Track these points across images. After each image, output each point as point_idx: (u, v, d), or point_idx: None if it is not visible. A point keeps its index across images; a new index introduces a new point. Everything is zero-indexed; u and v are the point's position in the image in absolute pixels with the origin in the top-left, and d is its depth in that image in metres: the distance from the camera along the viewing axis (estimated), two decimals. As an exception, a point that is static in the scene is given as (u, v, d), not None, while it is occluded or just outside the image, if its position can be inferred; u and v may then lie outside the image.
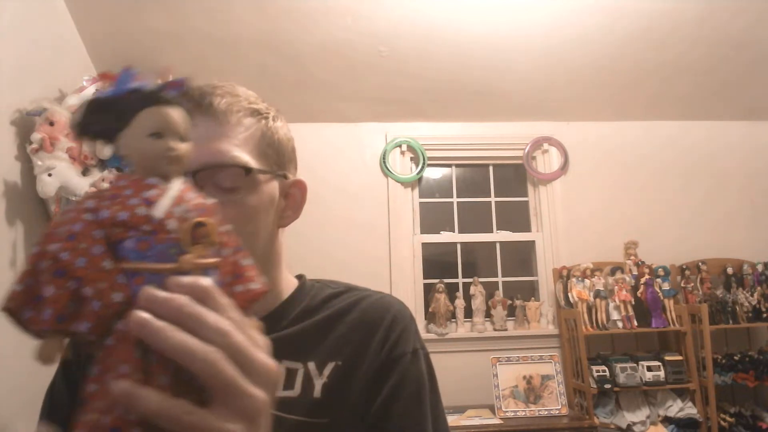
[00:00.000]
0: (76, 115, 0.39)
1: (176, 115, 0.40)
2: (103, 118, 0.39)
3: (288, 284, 0.77)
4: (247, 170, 0.65)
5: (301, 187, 0.75)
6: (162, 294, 0.34)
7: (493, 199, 3.48)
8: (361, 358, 0.69)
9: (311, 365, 0.68)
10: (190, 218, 0.38)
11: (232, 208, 0.63)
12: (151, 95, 0.39)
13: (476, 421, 2.69)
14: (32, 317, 0.35)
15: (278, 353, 0.67)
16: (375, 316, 0.72)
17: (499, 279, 3.35)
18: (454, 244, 3.39)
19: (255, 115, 0.69)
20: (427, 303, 3.21)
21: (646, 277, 3.09)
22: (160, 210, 0.37)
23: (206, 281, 0.36)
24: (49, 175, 1.91)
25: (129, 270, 0.36)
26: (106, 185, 0.39)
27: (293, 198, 0.74)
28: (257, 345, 0.37)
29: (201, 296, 0.35)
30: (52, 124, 1.94)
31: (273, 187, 0.70)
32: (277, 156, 0.71)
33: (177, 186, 0.39)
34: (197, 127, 0.64)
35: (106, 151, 2.11)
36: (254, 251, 0.66)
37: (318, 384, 0.66)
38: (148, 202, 0.38)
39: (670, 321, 3.02)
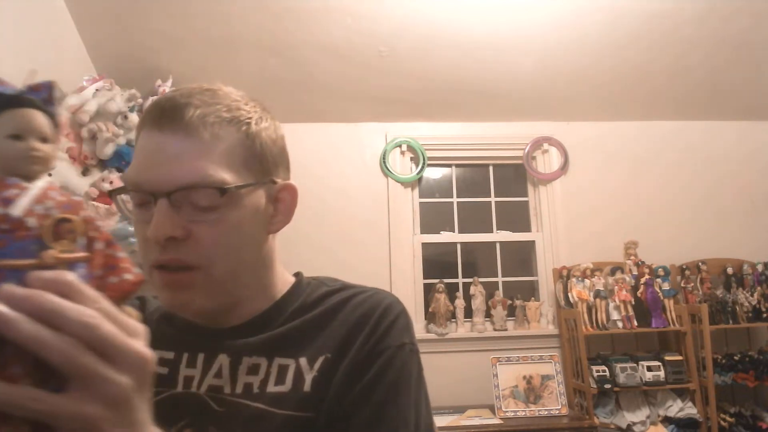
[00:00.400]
0: None
1: (38, 117, 0.41)
2: None
3: (284, 283, 0.76)
4: (222, 191, 0.62)
5: (291, 192, 0.72)
6: (20, 290, 0.34)
7: (493, 199, 3.48)
8: (347, 350, 0.67)
9: (302, 360, 0.67)
10: (52, 215, 0.39)
11: (212, 226, 0.62)
12: (11, 99, 0.41)
13: (476, 421, 2.69)
14: None
15: (272, 350, 0.68)
16: (366, 311, 0.71)
17: (499, 279, 3.35)
18: (454, 244, 3.39)
19: (234, 123, 0.65)
20: (427, 303, 3.21)
21: (646, 277, 3.09)
22: (18, 208, 0.38)
23: (68, 275, 0.37)
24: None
25: None
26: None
27: (283, 203, 0.71)
28: (129, 333, 0.38)
29: (64, 290, 0.36)
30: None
31: (258, 196, 0.67)
32: (261, 163, 0.67)
33: (39, 185, 0.41)
34: (170, 143, 0.61)
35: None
36: (241, 261, 0.66)
37: (308, 378, 0.66)
38: (6, 201, 0.39)
39: (670, 321, 3.01)
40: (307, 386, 0.65)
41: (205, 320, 0.70)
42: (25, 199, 0.39)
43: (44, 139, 0.42)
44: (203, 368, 0.67)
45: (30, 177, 0.40)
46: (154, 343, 0.41)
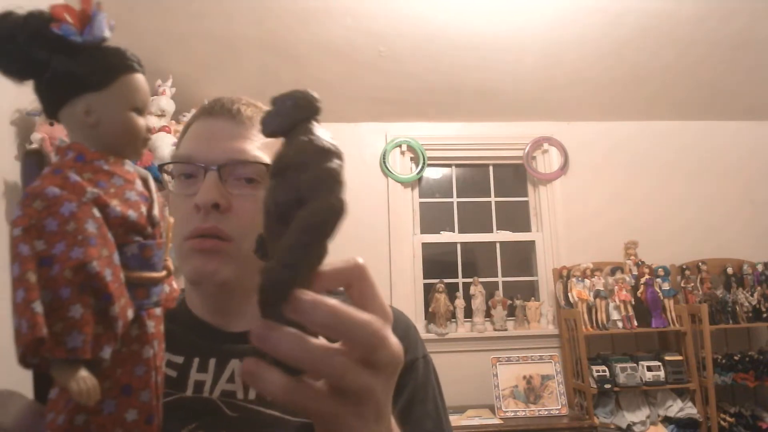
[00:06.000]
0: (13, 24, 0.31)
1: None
2: (69, 62, 0.32)
3: None
4: (268, 166, 0.68)
5: None
6: (315, 298, 0.32)
7: (493, 199, 3.48)
8: None
9: None
10: (166, 218, 0.35)
11: (251, 201, 0.67)
12: (132, 61, 0.34)
13: (476, 421, 2.69)
14: (60, 346, 0.28)
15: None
16: None
17: (499, 279, 3.35)
18: (454, 244, 3.39)
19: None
20: (427, 303, 3.21)
21: (646, 277, 3.09)
22: (159, 211, 0.34)
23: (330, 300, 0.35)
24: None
25: (132, 281, 0.32)
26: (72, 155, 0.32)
27: None
28: (387, 320, 0.37)
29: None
30: (52, 124, 1.94)
31: None
32: None
33: (151, 180, 0.35)
34: (224, 128, 0.70)
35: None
36: None
37: None
38: (144, 198, 0.33)
39: (670, 321, 3.01)
40: None
41: (217, 321, 0.71)
42: (160, 198, 0.34)
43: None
44: (215, 373, 0.67)
45: (130, 160, 0.34)
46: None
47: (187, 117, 2.61)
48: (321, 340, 0.34)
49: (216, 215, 0.65)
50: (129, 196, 0.32)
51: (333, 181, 0.32)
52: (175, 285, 0.37)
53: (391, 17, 2.63)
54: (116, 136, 0.33)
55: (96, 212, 0.30)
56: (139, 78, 0.34)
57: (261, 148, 0.69)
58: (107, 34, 0.33)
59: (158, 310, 0.35)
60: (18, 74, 0.33)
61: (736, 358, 3.01)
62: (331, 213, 0.31)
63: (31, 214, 0.29)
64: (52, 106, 0.33)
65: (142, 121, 0.34)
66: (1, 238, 1.82)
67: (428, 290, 3.22)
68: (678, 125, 3.49)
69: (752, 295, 3.11)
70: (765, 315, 3.08)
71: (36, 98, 0.34)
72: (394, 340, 0.36)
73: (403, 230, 3.28)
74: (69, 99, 0.32)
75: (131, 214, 0.32)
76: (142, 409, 0.32)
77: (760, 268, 3.19)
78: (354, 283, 0.36)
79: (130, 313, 0.31)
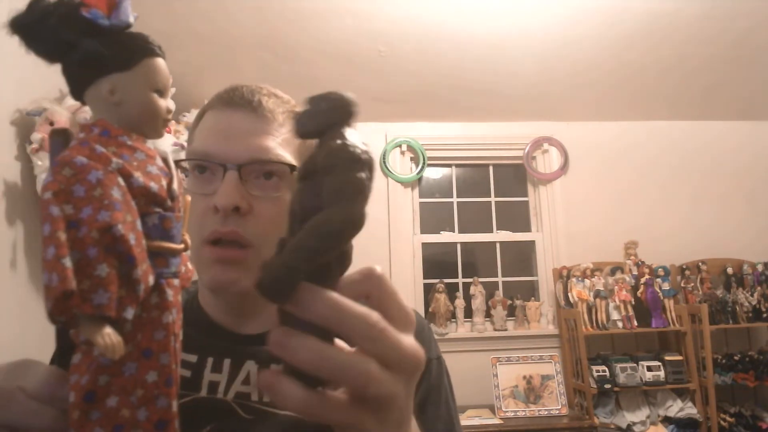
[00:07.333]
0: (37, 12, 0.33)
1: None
2: (97, 44, 0.34)
3: None
4: (291, 168, 0.65)
5: None
6: (314, 289, 0.32)
7: (493, 199, 3.48)
8: None
9: None
10: (184, 196, 0.36)
11: (273, 204, 0.64)
12: (155, 46, 0.36)
13: (476, 421, 2.69)
14: (87, 302, 0.30)
15: None
16: None
17: (499, 279, 3.35)
18: (454, 244, 3.39)
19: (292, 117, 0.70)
20: (427, 303, 3.21)
21: (646, 277, 3.09)
22: (178, 186, 0.35)
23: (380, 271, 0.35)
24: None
25: (153, 249, 0.33)
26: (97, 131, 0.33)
27: None
28: (405, 327, 0.36)
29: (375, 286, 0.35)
30: (52, 124, 1.94)
31: None
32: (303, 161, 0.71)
33: (170, 158, 0.36)
34: (244, 121, 0.66)
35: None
36: None
37: None
38: (164, 173, 0.35)
39: (670, 321, 3.01)
40: None
41: (231, 322, 0.70)
42: (179, 174, 0.35)
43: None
44: (230, 374, 0.66)
45: (148, 139, 0.35)
46: None
47: (188, 117, 2.61)
48: (341, 346, 0.33)
49: (236, 218, 0.62)
50: (150, 169, 0.34)
51: (356, 192, 0.31)
52: (189, 266, 0.38)
53: (391, 17, 2.63)
54: (138, 115, 0.35)
55: (121, 180, 0.32)
56: (161, 62, 0.36)
57: (283, 144, 0.66)
58: (132, 19, 0.35)
59: (176, 281, 0.36)
60: (49, 55, 0.35)
61: (736, 358, 3.01)
62: (347, 224, 0.30)
63: (60, 180, 0.31)
64: (80, 85, 0.35)
65: (162, 102, 0.36)
66: (1, 239, 1.82)
67: (428, 290, 3.22)
68: (678, 125, 3.49)
69: (752, 295, 3.11)
70: (765, 315, 3.08)
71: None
72: (410, 342, 0.35)
73: (403, 230, 3.28)
74: (95, 79, 0.34)
75: (153, 185, 0.33)
76: (162, 372, 0.34)
77: (760, 268, 3.19)
78: (374, 293, 0.35)
79: (151, 279, 0.32)
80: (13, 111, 1.93)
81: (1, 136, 1.89)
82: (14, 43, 0.36)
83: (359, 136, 0.33)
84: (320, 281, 0.32)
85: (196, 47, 2.70)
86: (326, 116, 0.33)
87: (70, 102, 2.15)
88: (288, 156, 0.66)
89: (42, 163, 1.92)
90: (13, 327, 1.74)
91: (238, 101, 0.67)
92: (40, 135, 1.92)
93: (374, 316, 0.33)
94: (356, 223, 0.31)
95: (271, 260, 0.31)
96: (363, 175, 0.31)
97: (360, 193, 0.31)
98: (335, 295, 0.32)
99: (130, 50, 0.34)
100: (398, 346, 0.34)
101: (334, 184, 0.31)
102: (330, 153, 0.32)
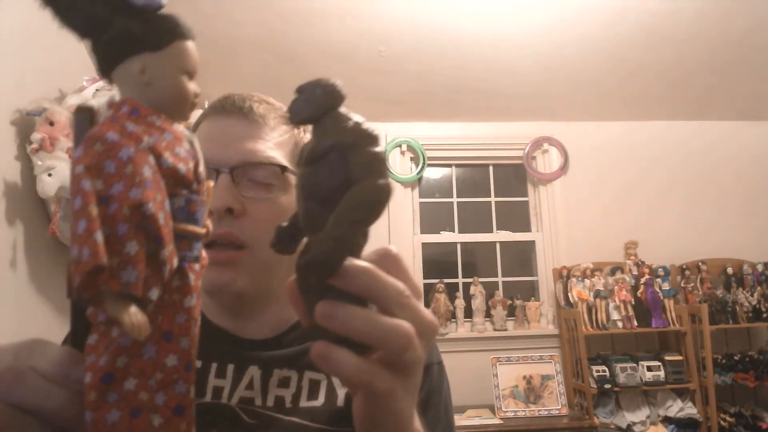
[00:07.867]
0: None
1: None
2: (129, 22, 0.33)
3: None
4: (282, 168, 0.67)
5: None
6: (356, 263, 0.34)
7: (493, 199, 3.48)
8: None
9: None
10: (207, 181, 0.36)
11: (266, 204, 0.66)
12: (185, 29, 0.35)
13: (476, 421, 2.69)
14: (115, 279, 0.29)
15: (302, 365, 0.67)
16: None
17: (499, 279, 3.35)
18: (454, 244, 3.39)
19: (286, 122, 0.72)
20: (427, 303, 3.21)
21: (646, 277, 3.09)
22: (204, 170, 0.35)
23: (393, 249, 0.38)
24: (49, 175, 1.91)
25: (178, 232, 0.33)
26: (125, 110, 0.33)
27: None
28: (418, 296, 0.39)
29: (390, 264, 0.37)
30: (52, 124, 1.94)
31: None
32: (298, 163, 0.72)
33: (196, 141, 0.36)
34: (236, 127, 0.68)
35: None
36: None
37: (341, 394, 0.66)
38: (192, 156, 0.35)
39: (670, 321, 3.01)
40: (340, 401, 0.65)
41: (233, 327, 0.70)
42: (204, 158, 0.35)
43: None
44: (234, 379, 0.66)
45: (175, 123, 0.35)
46: None
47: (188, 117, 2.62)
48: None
49: (229, 220, 0.64)
50: (179, 151, 0.33)
51: (381, 164, 0.33)
52: (204, 253, 0.38)
53: (391, 17, 2.64)
54: (166, 97, 0.34)
55: (151, 159, 0.31)
56: (192, 45, 0.36)
57: (274, 148, 0.68)
58: (165, 1, 0.35)
59: (197, 266, 0.36)
60: (81, 30, 0.34)
61: (736, 358, 3.01)
62: (382, 194, 0.32)
63: (92, 155, 0.30)
64: (110, 62, 0.35)
65: (191, 85, 0.35)
66: (1, 239, 1.82)
67: (428, 290, 3.22)
68: (678, 125, 3.49)
69: (752, 295, 3.12)
70: (765, 315, 3.08)
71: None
72: (428, 311, 0.37)
73: (403, 230, 3.28)
74: (126, 57, 0.34)
75: (181, 167, 0.33)
76: (182, 356, 0.33)
77: (760, 268, 3.19)
78: (390, 271, 0.37)
79: (175, 261, 0.32)
80: (13, 111, 1.93)
81: (1, 136, 1.89)
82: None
83: (360, 116, 0.35)
84: (354, 256, 0.34)
85: (197, 48, 2.70)
86: (323, 101, 0.35)
87: (70, 102, 2.15)
88: (280, 157, 0.67)
89: (42, 163, 1.92)
90: (13, 327, 1.74)
91: (230, 108, 0.69)
92: (40, 135, 1.92)
93: (401, 284, 0.36)
94: (390, 191, 0.33)
95: (317, 237, 0.32)
96: (382, 148, 0.34)
97: (384, 165, 0.33)
98: (373, 266, 0.34)
99: (162, 31, 0.34)
100: (422, 312, 0.36)
101: (363, 157, 0.33)
102: (347, 132, 0.34)
